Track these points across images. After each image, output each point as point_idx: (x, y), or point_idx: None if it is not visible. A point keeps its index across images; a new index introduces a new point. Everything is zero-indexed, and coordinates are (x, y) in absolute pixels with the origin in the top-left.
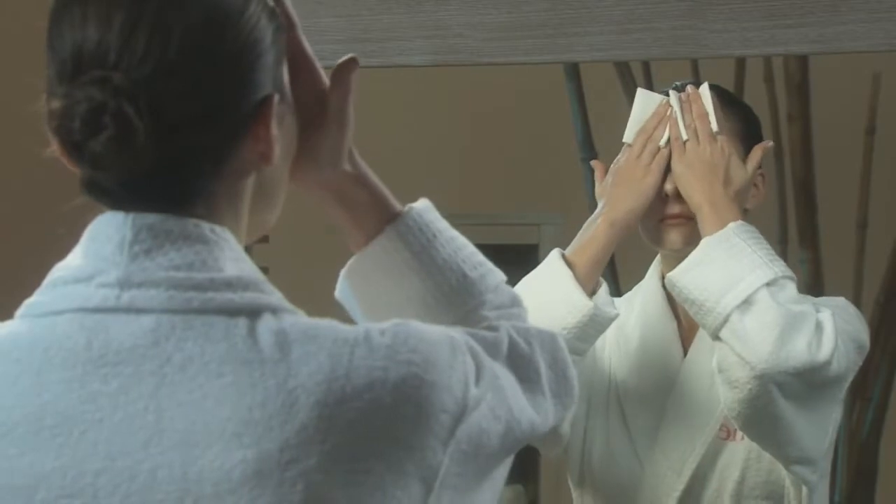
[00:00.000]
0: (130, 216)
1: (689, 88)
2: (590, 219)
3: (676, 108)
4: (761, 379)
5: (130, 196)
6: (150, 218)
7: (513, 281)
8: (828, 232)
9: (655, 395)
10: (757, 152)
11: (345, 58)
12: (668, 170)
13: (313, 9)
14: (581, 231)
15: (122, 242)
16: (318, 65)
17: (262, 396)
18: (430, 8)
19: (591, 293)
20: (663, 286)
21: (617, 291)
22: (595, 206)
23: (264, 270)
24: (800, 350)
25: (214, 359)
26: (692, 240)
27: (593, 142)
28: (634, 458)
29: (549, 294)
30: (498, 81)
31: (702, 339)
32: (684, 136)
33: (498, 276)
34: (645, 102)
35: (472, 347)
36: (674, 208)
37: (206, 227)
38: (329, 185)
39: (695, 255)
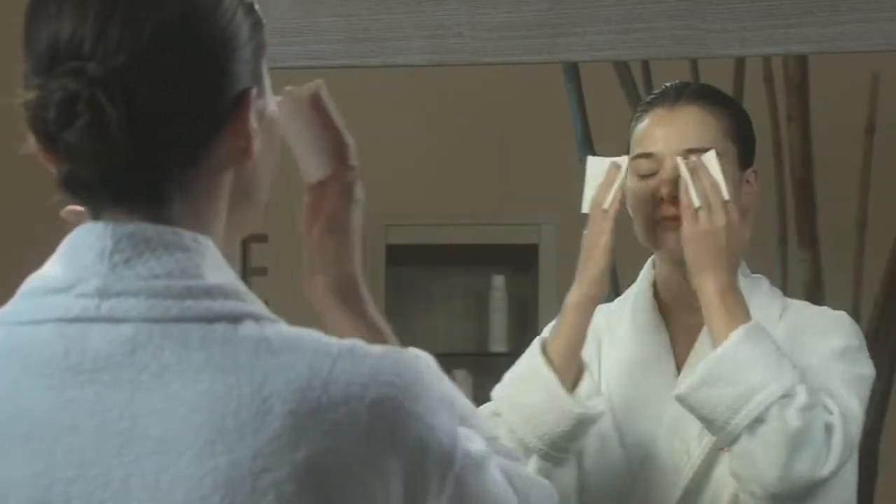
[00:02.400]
0: (110, 226)
1: (694, 157)
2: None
3: (686, 174)
4: (773, 498)
5: (107, 190)
6: (130, 227)
7: (512, 280)
8: (827, 232)
9: (650, 406)
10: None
11: (349, 164)
12: (665, 178)
13: (312, 8)
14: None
15: (102, 252)
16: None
17: (236, 404)
18: (430, 7)
19: (574, 380)
20: (654, 294)
21: (616, 292)
22: None
23: (263, 271)
24: (806, 470)
25: (191, 367)
26: None
27: (592, 142)
28: (627, 469)
29: (535, 400)
30: (497, 81)
31: (698, 351)
32: (696, 204)
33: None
34: (595, 168)
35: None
36: (669, 210)
37: (186, 235)
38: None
39: (702, 372)
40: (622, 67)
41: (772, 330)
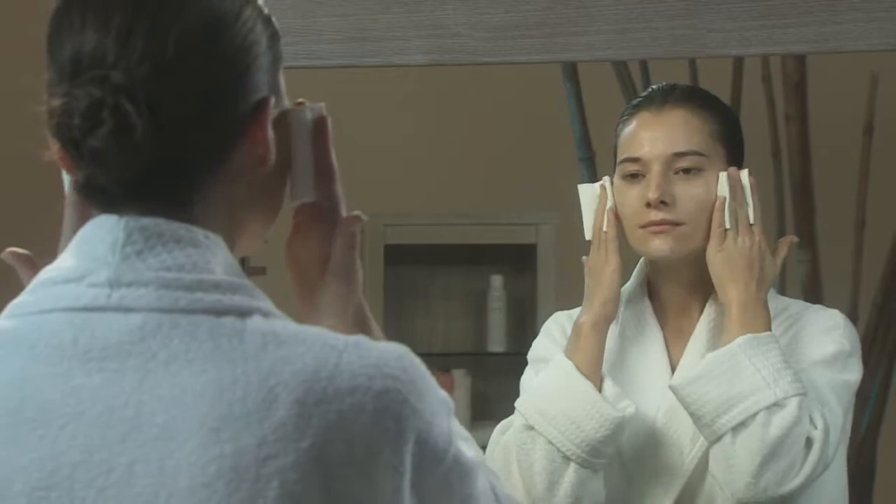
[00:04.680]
0: (123, 219)
1: (731, 171)
2: (578, 316)
3: (726, 191)
4: (743, 502)
5: (128, 196)
6: (143, 221)
7: (511, 280)
8: (826, 232)
9: (644, 408)
10: (784, 246)
11: (352, 214)
12: (652, 183)
13: (312, 8)
14: (573, 330)
15: (114, 244)
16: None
17: (242, 392)
18: (429, 7)
19: (599, 389)
20: (648, 294)
21: None
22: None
23: (263, 270)
24: (775, 482)
25: (199, 357)
26: (677, 246)
27: (591, 141)
28: (622, 472)
29: (573, 410)
30: (496, 81)
31: (691, 353)
32: (727, 224)
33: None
34: (587, 195)
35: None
36: (657, 215)
37: (198, 231)
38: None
39: (699, 368)
40: (621, 67)
41: None
